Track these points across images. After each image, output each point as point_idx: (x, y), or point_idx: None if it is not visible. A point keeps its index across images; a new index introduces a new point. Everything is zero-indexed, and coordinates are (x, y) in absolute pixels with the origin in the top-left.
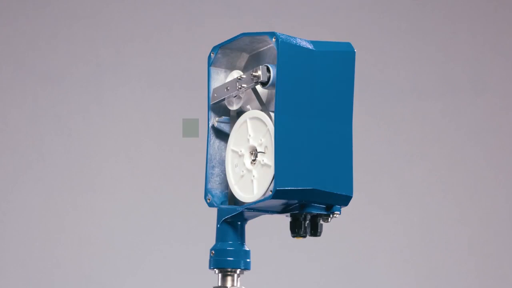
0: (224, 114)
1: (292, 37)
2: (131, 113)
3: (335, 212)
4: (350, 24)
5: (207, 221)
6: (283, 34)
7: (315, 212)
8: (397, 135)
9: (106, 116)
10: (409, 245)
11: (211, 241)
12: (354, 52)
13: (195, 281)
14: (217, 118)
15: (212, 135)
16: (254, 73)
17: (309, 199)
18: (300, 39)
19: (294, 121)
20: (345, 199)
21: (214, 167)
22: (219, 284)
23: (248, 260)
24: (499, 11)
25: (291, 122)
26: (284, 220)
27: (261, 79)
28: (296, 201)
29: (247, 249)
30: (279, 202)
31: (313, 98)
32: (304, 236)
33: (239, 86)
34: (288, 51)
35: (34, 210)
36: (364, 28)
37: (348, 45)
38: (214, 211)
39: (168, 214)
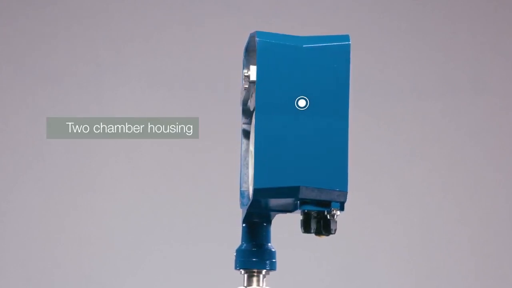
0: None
1: (279, 35)
2: (131, 113)
3: (333, 209)
4: (350, 24)
5: (207, 221)
6: (267, 33)
7: (311, 209)
8: (397, 135)
9: (106, 116)
10: (409, 245)
11: (211, 241)
12: (349, 44)
13: (195, 281)
14: (243, 120)
15: (242, 137)
16: (245, 73)
17: (301, 196)
18: (290, 36)
19: (277, 119)
20: (341, 195)
21: (248, 168)
22: (245, 285)
23: (273, 260)
24: (499, 11)
25: (273, 121)
26: (287, 218)
27: (251, 78)
28: (292, 199)
29: (273, 249)
30: (280, 201)
31: (301, 95)
32: (327, 235)
33: (244, 86)
34: (268, 50)
35: (34, 210)
36: (364, 28)
37: (345, 37)
38: (213, 211)
39: (168, 214)
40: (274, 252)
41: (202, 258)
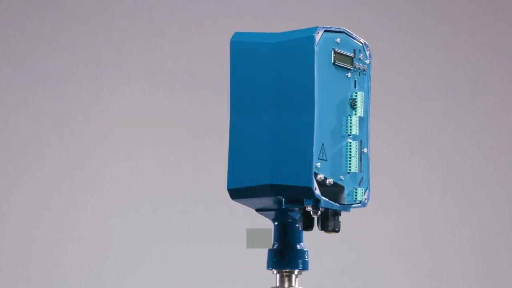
0: None
1: (256, 33)
2: (131, 113)
3: (306, 205)
4: (350, 24)
5: (207, 221)
6: (244, 33)
7: (290, 207)
8: (397, 135)
9: (106, 116)
10: (409, 245)
11: (211, 241)
12: (313, 36)
13: (195, 281)
14: None
15: None
16: None
17: (274, 194)
18: (266, 34)
19: (247, 118)
20: (307, 191)
21: None
22: (277, 285)
23: (306, 260)
24: (499, 11)
25: (244, 120)
26: None
27: None
28: (273, 198)
29: (305, 249)
30: (260, 200)
31: (272, 92)
32: (337, 231)
33: None
34: (238, 50)
35: (34, 210)
36: (364, 28)
37: (312, 29)
38: (213, 211)
39: (168, 214)
40: (307, 251)
41: (202, 258)
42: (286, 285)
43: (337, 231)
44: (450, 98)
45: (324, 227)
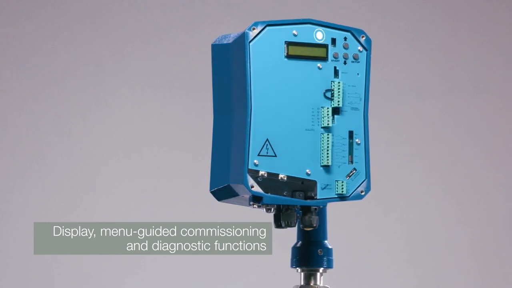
0: None
1: (230, 35)
2: (131, 113)
3: (251, 203)
4: (350, 24)
5: (207, 221)
6: (224, 36)
7: (248, 205)
8: (397, 134)
9: (106, 116)
10: (409, 245)
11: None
12: (246, 33)
13: (195, 281)
14: None
15: None
16: None
17: (237, 194)
18: (236, 35)
19: (221, 120)
20: (245, 189)
21: None
22: (302, 283)
23: (330, 258)
24: (500, 11)
25: (219, 122)
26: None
27: None
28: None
29: (330, 246)
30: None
31: (229, 94)
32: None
33: None
34: (215, 53)
35: (34, 210)
36: (364, 28)
37: (250, 27)
38: (212, 211)
39: (168, 214)
40: (331, 249)
41: (202, 258)
42: (312, 283)
43: (312, 226)
44: (450, 98)
45: (302, 223)
